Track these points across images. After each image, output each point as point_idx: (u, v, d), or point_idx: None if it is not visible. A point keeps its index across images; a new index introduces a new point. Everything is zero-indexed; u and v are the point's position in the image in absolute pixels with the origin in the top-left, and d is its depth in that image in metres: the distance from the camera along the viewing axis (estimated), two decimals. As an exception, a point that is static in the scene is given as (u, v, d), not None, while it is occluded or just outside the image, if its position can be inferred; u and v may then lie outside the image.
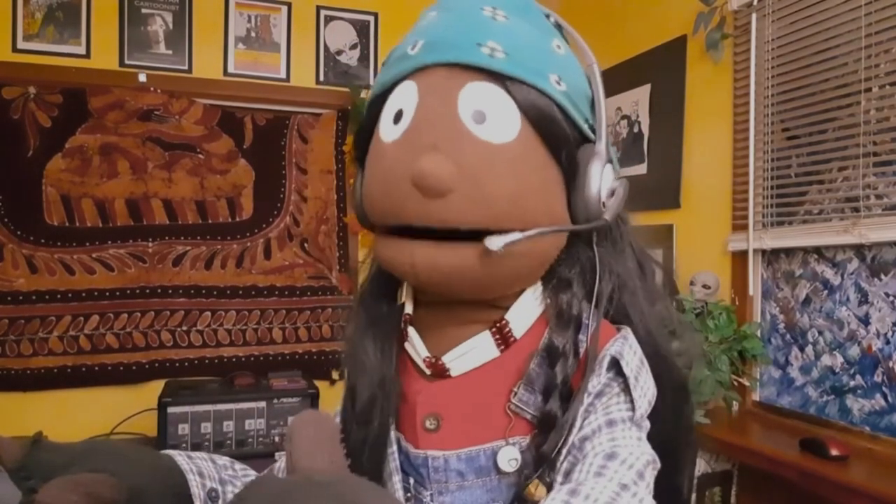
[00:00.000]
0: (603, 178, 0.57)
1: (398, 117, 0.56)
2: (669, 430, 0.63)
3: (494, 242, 0.52)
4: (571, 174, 0.58)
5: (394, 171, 0.55)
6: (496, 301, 0.60)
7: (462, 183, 0.52)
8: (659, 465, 0.56)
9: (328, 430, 0.47)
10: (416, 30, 0.59)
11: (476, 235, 0.53)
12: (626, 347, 0.58)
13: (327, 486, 0.41)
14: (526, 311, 0.61)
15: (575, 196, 0.58)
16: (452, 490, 0.59)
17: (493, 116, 0.54)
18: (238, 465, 0.68)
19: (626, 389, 0.57)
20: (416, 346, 0.63)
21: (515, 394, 0.58)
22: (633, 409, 0.57)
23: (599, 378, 0.57)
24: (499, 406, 0.59)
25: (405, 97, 0.56)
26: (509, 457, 0.57)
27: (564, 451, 0.55)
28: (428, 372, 0.62)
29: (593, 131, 0.59)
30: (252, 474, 0.69)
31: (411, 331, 0.64)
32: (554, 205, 0.57)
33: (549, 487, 0.55)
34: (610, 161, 0.59)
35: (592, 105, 0.60)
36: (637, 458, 0.53)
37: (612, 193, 0.59)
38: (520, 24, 0.57)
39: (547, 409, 0.56)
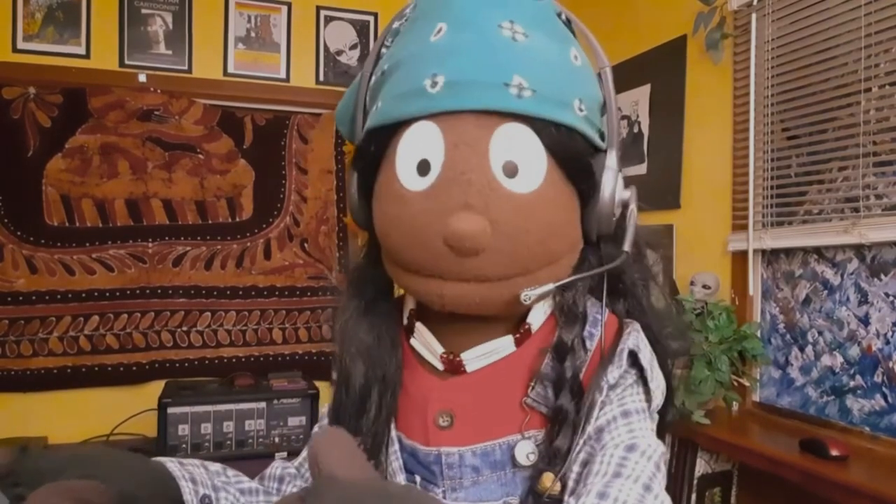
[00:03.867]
0: (618, 189, 0.58)
1: (423, 168, 0.54)
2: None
3: (526, 295, 0.54)
4: (589, 191, 0.58)
5: (424, 226, 0.54)
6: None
7: (496, 240, 0.52)
8: (667, 455, 0.57)
9: (353, 444, 0.47)
10: (426, 49, 0.55)
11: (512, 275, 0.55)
12: (641, 340, 0.60)
13: (400, 497, 0.42)
14: (542, 310, 0.62)
15: (588, 211, 0.58)
16: (466, 486, 0.60)
17: (524, 166, 0.53)
18: (231, 472, 0.67)
19: (640, 381, 0.59)
20: (429, 342, 0.63)
21: (533, 388, 0.59)
22: (648, 399, 0.58)
23: (621, 370, 0.58)
24: (514, 401, 0.59)
25: (429, 145, 0.54)
26: (527, 451, 0.58)
27: (581, 443, 0.56)
28: (441, 368, 0.62)
29: (602, 137, 0.58)
30: (244, 480, 0.68)
31: (420, 326, 0.64)
32: (574, 230, 0.58)
33: (563, 480, 0.56)
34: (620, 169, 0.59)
35: (603, 108, 0.59)
36: (654, 449, 0.55)
37: (624, 203, 0.59)
38: (540, 40, 0.54)
39: (559, 405, 0.57)
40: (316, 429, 0.75)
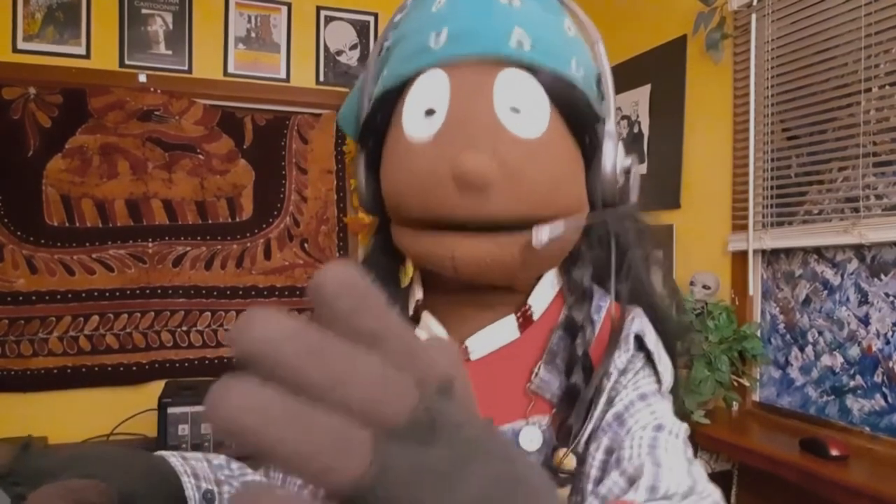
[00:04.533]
0: (617, 157, 0.59)
1: (429, 114, 0.55)
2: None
3: (542, 236, 0.54)
4: (592, 150, 0.59)
5: (432, 169, 0.54)
6: (517, 285, 0.61)
7: (503, 178, 0.53)
8: (689, 431, 0.57)
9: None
10: (428, 17, 0.58)
11: (515, 226, 0.54)
12: (645, 324, 0.60)
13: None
14: (545, 292, 0.62)
15: (592, 176, 0.59)
16: None
17: (526, 110, 0.54)
18: (235, 465, 0.67)
19: (648, 364, 0.59)
20: (435, 332, 0.63)
21: (537, 374, 0.59)
22: (658, 381, 0.59)
23: (627, 354, 0.58)
24: (518, 387, 0.59)
25: (434, 92, 0.55)
26: (532, 436, 0.58)
27: (591, 424, 0.56)
28: None
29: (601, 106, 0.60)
30: (249, 473, 0.68)
31: (426, 316, 0.64)
32: (581, 188, 0.59)
33: (578, 456, 0.56)
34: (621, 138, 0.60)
35: (598, 83, 0.60)
36: (679, 427, 0.55)
37: (626, 171, 0.60)
38: (534, 7, 0.57)
39: (571, 383, 0.57)
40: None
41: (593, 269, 0.63)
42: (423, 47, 0.56)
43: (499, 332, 0.61)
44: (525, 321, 0.61)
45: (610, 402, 0.57)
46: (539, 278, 0.62)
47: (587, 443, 0.56)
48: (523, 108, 0.54)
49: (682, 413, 0.69)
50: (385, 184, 0.60)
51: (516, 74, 0.54)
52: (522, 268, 0.57)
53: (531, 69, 0.54)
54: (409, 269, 0.68)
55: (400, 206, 0.59)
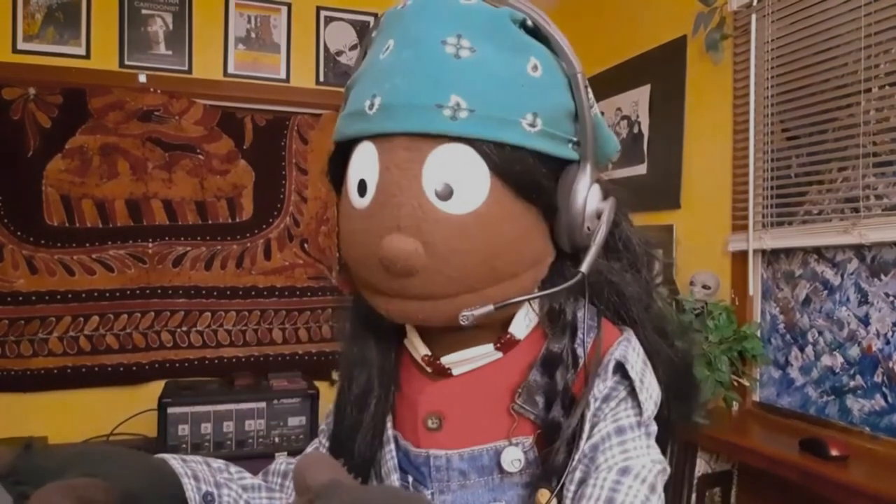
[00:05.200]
0: (588, 202, 0.55)
1: (362, 188, 0.54)
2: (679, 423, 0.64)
3: (464, 317, 0.53)
4: (552, 206, 0.56)
5: (363, 245, 0.55)
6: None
7: (430, 260, 0.52)
8: (668, 470, 0.56)
9: (336, 464, 0.47)
10: (373, 68, 0.55)
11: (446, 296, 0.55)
12: (630, 350, 0.58)
13: (409, 500, 0.43)
14: (526, 317, 0.61)
15: (558, 225, 0.56)
16: (454, 489, 0.60)
17: (460, 187, 0.52)
18: (233, 468, 0.68)
19: (632, 393, 0.57)
20: (415, 344, 0.63)
21: (519, 394, 0.58)
22: (640, 412, 0.57)
23: (606, 383, 0.57)
24: (502, 406, 0.59)
25: (366, 165, 0.54)
26: (513, 457, 0.58)
27: (576, 458, 0.55)
28: (429, 370, 0.63)
29: (578, 144, 0.56)
30: (247, 477, 0.68)
31: (409, 328, 0.65)
32: (532, 247, 0.56)
33: (559, 495, 0.55)
34: (597, 179, 0.56)
35: (575, 117, 0.56)
36: (649, 470, 0.54)
37: (598, 215, 0.56)
38: (487, 53, 0.52)
39: (551, 418, 0.56)
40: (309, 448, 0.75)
41: (577, 297, 0.60)
42: (360, 111, 0.54)
43: (474, 357, 0.61)
44: (506, 345, 0.60)
45: (591, 430, 0.56)
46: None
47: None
48: (456, 185, 0.52)
49: (687, 427, 0.68)
50: (339, 240, 0.62)
51: (450, 150, 0.51)
52: (457, 326, 0.56)
53: (470, 140, 0.51)
54: None
55: (346, 262, 0.60)
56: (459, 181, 0.52)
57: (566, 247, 0.57)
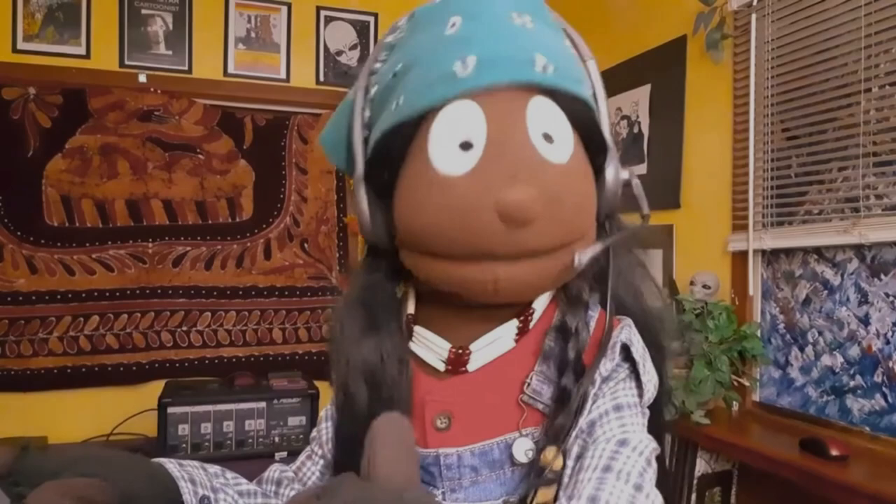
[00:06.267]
0: (619, 171, 0.61)
1: (465, 147, 0.53)
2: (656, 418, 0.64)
3: (583, 258, 0.56)
4: (599, 169, 0.60)
5: (473, 205, 0.52)
6: None
7: (545, 208, 0.53)
8: (659, 450, 0.57)
9: (409, 439, 0.46)
10: (444, 41, 0.55)
11: (553, 250, 0.55)
12: (633, 335, 0.61)
13: (415, 498, 0.43)
14: (544, 297, 0.63)
15: (602, 192, 0.60)
16: (466, 486, 0.60)
17: (558, 137, 0.55)
18: (230, 474, 0.67)
19: (632, 375, 0.60)
20: (433, 343, 0.63)
21: (528, 384, 0.59)
22: (640, 394, 0.59)
23: (613, 362, 0.59)
24: (511, 398, 0.59)
25: (469, 124, 0.53)
26: (525, 447, 0.58)
27: (574, 432, 0.57)
28: (443, 368, 0.62)
29: None
30: (243, 482, 0.67)
31: (420, 329, 0.64)
32: (595, 205, 0.60)
33: (565, 457, 0.57)
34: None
35: (593, 97, 0.61)
36: (645, 445, 0.55)
37: (625, 183, 0.62)
38: (544, 29, 0.57)
39: (563, 385, 0.58)
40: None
41: (590, 276, 0.63)
42: (448, 74, 0.53)
43: (499, 338, 0.61)
44: (523, 326, 0.61)
45: (591, 405, 0.58)
46: None
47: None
48: (555, 135, 0.55)
49: (681, 414, 0.69)
50: (408, 219, 0.57)
51: (544, 102, 0.55)
52: (554, 286, 0.59)
53: (552, 94, 0.55)
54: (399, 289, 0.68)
55: (433, 243, 0.56)
56: (555, 131, 0.55)
57: (602, 213, 0.61)
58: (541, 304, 0.63)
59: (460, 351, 0.61)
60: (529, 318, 0.62)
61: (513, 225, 0.52)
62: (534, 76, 0.53)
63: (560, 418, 0.57)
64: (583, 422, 0.57)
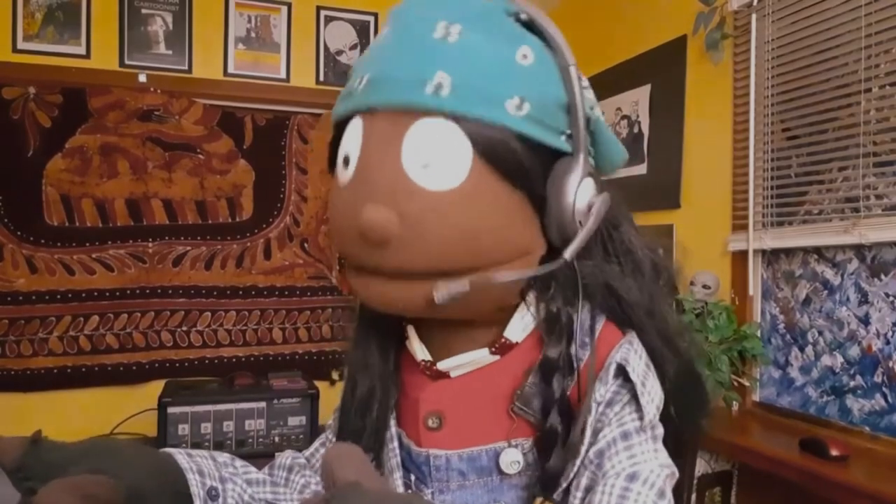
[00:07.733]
0: (578, 194, 0.54)
1: (346, 162, 0.56)
2: (686, 426, 0.63)
3: (440, 295, 0.53)
4: (540, 195, 0.55)
5: (344, 217, 0.55)
6: (481, 318, 0.59)
7: (405, 232, 0.52)
8: (677, 473, 0.56)
9: (365, 459, 0.47)
10: (368, 52, 0.58)
11: (426, 275, 0.54)
12: (632, 352, 0.57)
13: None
14: (523, 320, 0.60)
15: (547, 218, 0.55)
16: (453, 489, 0.60)
17: (439, 162, 0.52)
18: (239, 462, 0.68)
19: (636, 396, 0.56)
20: (416, 346, 0.64)
21: (518, 395, 0.58)
22: (642, 416, 0.56)
23: (608, 387, 0.56)
24: (501, 407, 0.59)
25: (352, 140, 0.55)
26: (511, 459, 0.58)
27: (577, 464, 0.55)
28: (427, 373, 0.63)
29: (572, 138, 0.55)
30: (252, 471, 0.69)
31: (410, 330, 0.65)
32: (518, 236, 0.55)
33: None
34: (590, 174, 0.55)
35: (568, 109, 0.55)
36: (657, 475, 0.53)
37: (589, 208, 0.55)
38: (476, 39, 0.53)
39: (548, 426, 0.56)
40: (323, 439, 0.76)
41: (573, 300, 0.59)
42: (352, 90, 0.56)
43: (474, 360, 0.60)
44: (502, 349, 0.60)
45: (595, 435, 0.55)
46: (517, 305, 0.60)
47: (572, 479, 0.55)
48: (434, 160, 0.52)
49: (694, 431, 0.67)
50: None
51: (431, 124, 0.51)
52: (437, 313, 0.55)
53: (455, 117, 0.51)
54: None
55: (336, 246, 0.61)
56: (439, 156, 0.52)
57: (556, 240, 0.56)
58: (516, 329, 0.60)
59: (430, 364, 0.62)
60: (504, 345, 0.60)
61: (368, 243, 0.52)
62: (417, 98, 0.51)
63: (551, 462, 0.55)
64: (590, 452, 0.55)
